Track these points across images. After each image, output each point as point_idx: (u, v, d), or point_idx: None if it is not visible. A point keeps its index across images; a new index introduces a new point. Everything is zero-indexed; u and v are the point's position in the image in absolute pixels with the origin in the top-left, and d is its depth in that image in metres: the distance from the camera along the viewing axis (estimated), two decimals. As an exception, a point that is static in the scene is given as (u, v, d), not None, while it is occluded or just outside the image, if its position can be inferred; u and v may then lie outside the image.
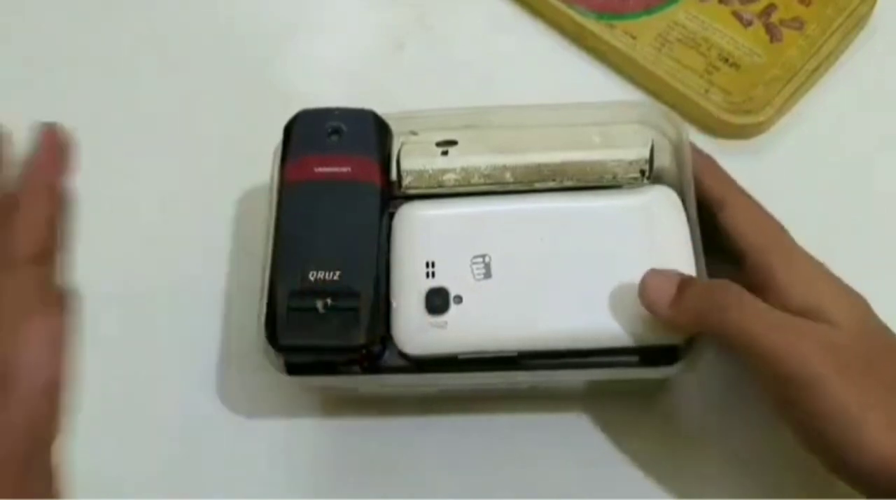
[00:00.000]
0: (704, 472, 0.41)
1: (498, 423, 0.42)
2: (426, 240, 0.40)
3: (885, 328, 0.37)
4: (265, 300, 0.39)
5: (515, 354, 0.39)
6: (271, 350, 0.38)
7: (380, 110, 0.42)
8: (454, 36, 0.54)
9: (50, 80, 0.53)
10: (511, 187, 0.41)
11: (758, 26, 0.51)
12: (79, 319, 0.31)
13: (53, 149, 0.32)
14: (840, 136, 0.49)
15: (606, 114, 0.43)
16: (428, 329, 0.38)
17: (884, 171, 0.48)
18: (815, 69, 0.49)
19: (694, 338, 0.38)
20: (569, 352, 0.39)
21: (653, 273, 0.37)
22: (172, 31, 0.55)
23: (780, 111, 0.49)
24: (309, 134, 0.42)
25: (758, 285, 0.37)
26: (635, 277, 0.38)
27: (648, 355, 0.38)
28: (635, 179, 0.41)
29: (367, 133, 0.42)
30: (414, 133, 0.43)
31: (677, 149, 0.42)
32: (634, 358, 0.39)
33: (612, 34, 0.51)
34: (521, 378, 0.40)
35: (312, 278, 0.38)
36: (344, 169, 0.41)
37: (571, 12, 0.52)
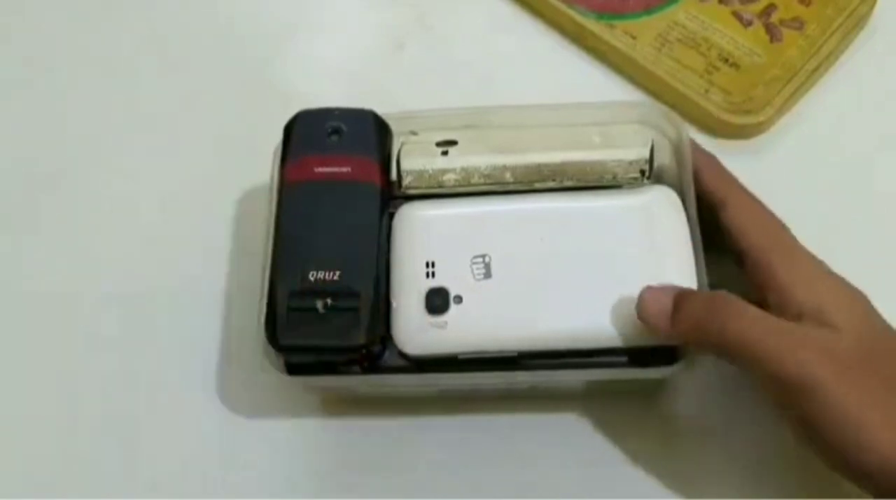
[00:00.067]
0: (704, 472, 0.41)
1: (498, 423, 0.42)
2: (426, 240, 0.40)
3: (887, 327, 0.37)
4: (265, 300, 0.39)
5: (515, 354, 0.38)
6: (271, 350, 0.38)
7: (380, 110, 0.42)
8: (454, 36, 0.54)
9: (50, 80, 0.53)
10: (511, 187, 0.41)
11: (758, 26, 0.51)
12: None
13: None
14: (840, 136, 0.49)
15: (606, 114, 0.43)
16: (428, 329, 0.38)
17: (884, 171, 0.48)
18: (815, 69, 0.49)
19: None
20: (569, 352, 0.39)
21: (649, 290, 0.37)
22: (172, 31, 0.55)
23: (780, 111, 0.49)
24: (309, 134, 0.42)
25: (758, 285, 0.37)
26: (635, 277, 0.38)
27: (648, 355, 0.38)
28: (635, 179, 0.41)
29: (367, 133, 0.42)
30: (414, 133, 0.43)
31: (677, 149, 0.42)
32: (634, 358, 0.38)
33: (612, 34, 0.51)
34: (521, 378, 0.40)
35: (312, 278, 0.38)
36: (344, 169, 0.41)
37: (571, 12, 0.52)
